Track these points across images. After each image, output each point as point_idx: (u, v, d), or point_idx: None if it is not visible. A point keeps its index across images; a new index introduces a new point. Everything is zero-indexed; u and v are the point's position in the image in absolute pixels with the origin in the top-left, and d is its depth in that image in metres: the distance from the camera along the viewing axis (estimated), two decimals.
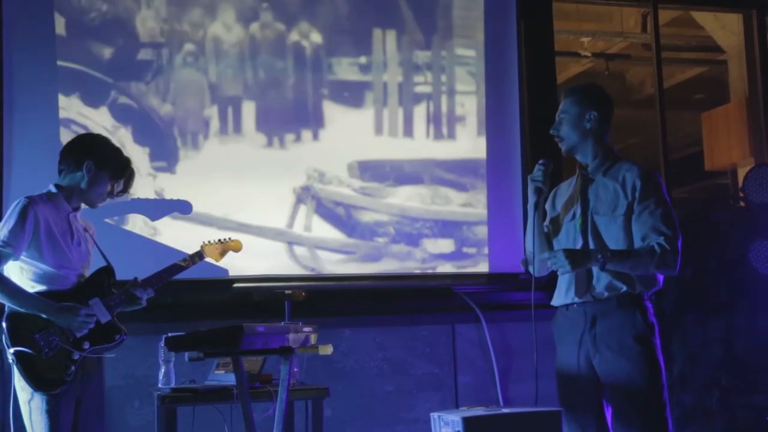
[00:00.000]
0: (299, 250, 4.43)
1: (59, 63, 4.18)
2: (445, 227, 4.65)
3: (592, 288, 2.92)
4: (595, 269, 2.90)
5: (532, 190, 3.01)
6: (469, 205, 4.68)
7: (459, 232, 4.67)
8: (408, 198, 4.61)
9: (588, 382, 2.92)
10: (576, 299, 2.94)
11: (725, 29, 5.96)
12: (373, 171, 4.58)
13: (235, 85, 4.44)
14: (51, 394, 2.87)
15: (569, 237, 3.01)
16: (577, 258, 2.85)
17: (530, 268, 3.06)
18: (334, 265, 4.47)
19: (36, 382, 2.86)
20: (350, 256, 4.50)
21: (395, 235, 4.57)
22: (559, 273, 2.94)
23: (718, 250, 4.48)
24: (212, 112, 4.39)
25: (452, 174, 4.69)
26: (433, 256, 4.62)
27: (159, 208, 4.23)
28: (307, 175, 4.46)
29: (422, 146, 4.68)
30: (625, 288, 2.89)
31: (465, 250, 4.67)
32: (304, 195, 4.45)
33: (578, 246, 2.95)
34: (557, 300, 3.03)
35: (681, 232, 2.93)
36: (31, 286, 2.95)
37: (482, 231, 4.69)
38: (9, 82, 4.10)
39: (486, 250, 4.70)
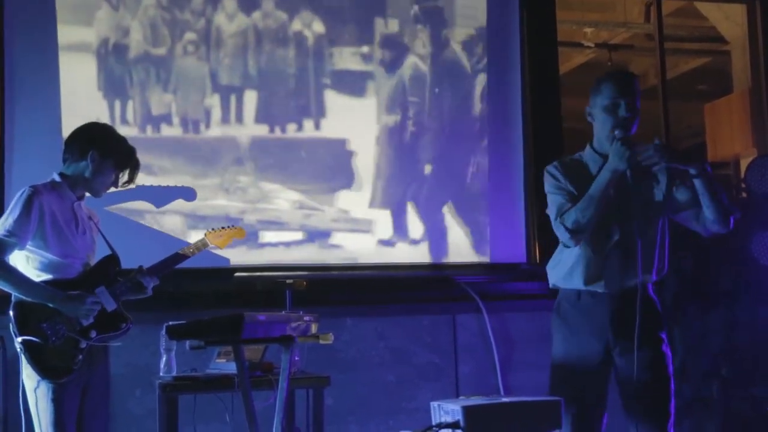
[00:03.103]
0: None
1: (61, 51, 4.17)
2: None
3: (621, 281, 2.90)
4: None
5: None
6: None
7: None
8: None
9: (603, 373, 2.93)
10: (602, 290, 2.91)
11: (729, 20, 5.94)
12: None
13: (236, 74, 4.43)
14: (57, 383, 2.88)
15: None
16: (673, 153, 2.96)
17: (576, 239, 2.91)
18: None
19: (43, 370, 2.86)
20: None
21: None
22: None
23: (720, 241, 4.46)
24: (214, 101, 4.39)
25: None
26: None
27: (163, 195, 4.23)
28: None
29: None
30: (651, 278, 2.92)
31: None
32: None
33: (615, 238, 2.91)
34: (570, 283, 2.96)
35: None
36: (37, 275, 2.95)
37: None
38: (10, 68, 4.10)
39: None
